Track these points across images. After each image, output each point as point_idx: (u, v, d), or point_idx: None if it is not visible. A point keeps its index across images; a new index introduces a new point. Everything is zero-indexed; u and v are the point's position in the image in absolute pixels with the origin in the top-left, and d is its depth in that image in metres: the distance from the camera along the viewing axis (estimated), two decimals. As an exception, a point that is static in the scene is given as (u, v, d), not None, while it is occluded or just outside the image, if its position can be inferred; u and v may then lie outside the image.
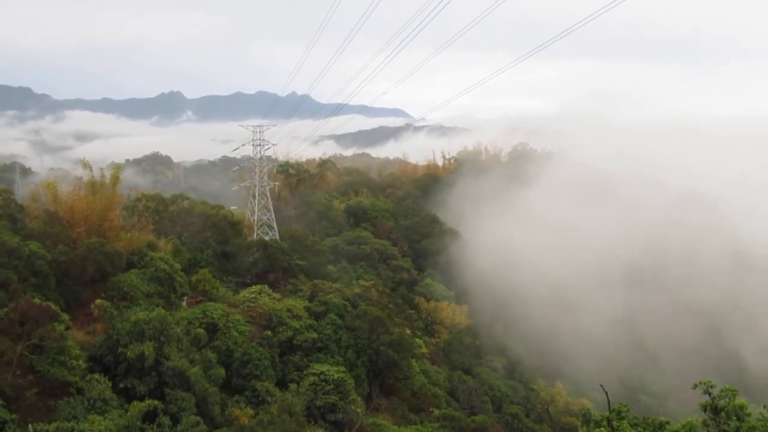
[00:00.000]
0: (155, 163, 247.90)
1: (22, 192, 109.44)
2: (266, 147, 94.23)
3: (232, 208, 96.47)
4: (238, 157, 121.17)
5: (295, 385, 49.49)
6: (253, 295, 59.16)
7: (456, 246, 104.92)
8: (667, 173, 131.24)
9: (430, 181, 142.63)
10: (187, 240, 72.29)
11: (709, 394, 19.34)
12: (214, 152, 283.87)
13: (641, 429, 20.67)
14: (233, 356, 49.98)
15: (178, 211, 76.98)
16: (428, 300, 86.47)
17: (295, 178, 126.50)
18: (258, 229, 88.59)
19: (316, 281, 68.15)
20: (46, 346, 38.44)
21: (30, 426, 34.15)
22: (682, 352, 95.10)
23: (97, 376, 39.95)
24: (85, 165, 63.96)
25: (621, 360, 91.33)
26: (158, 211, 74.50)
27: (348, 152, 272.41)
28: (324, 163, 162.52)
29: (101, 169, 65.49)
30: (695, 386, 19.59)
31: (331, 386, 49.59)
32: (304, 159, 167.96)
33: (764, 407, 19.24)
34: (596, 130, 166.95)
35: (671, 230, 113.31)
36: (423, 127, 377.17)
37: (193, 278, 60.58)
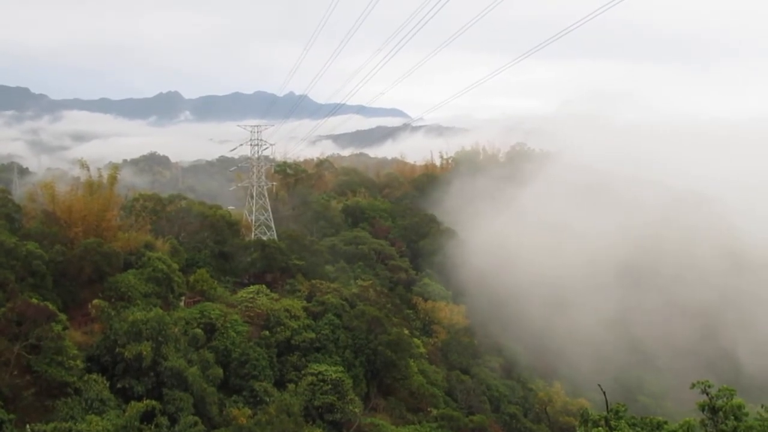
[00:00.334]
0: (153, 163, 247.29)
1: (19, 192, 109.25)
2: (264, 147, 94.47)
3: (230, 208, 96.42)
4: (236, 157, 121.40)
5: (293, 385, 49.45)
6: (251, 295, 59.14)
7: (453, 246, 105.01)
8: (664, 173, 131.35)
9: (428, 181, 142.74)
10: (184, 240, 72.24)
11: (707, 394, 19.37)
12: (211, 152, 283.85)
13: (639, 429, 20.71)
14: (231, 356, 49.94)
15: (175, 211, 76.93)
16: (426, 300, 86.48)
17: (292, 178, 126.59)
18: (256, 229, 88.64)
19: (313, 281, 68.11)
20: (44, 346, 38.37)
21: (27, 426, 34.08)
22: (678, 352, 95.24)
23: (94, 376, 39.88)
24: (83, 165, 63.90)
25: (617, 360, 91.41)
26: (156, 211, 74.42)
27: (346, 152, 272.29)
28: (322, 163, 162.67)
29: (99, 169, 65.49)
30: (693, 386, 19.63)
31: (329, 386, 49.57)
32: (301, 159, 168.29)
33: (762, 406, 19.28)
34: (594, 130, 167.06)
35: (667, 230, 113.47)
36: (421, 127, 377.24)
37: (191, 278, 60.50)
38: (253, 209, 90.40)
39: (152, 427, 37.16)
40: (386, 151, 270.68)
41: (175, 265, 57.98)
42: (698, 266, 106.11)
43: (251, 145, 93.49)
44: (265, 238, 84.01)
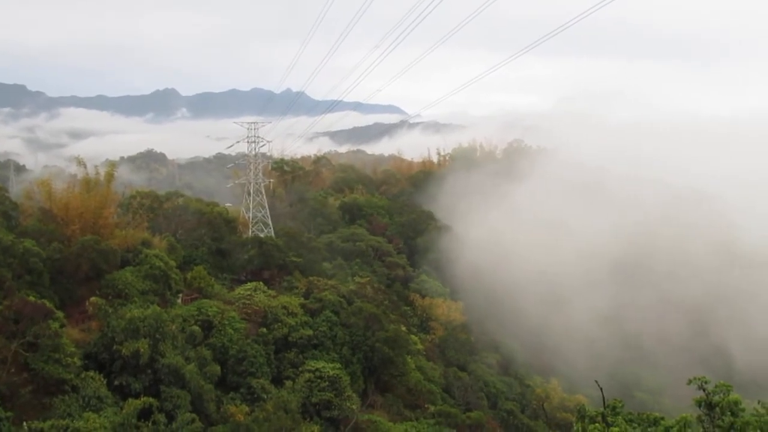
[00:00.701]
0: (150, 160, 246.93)
1: (16, 189, 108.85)
2: (261, 144, 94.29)
3: (227, 205, 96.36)
4: (233, 154, 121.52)
5: (291, 382, 49.47)
6: (249, 293, 59.17)
7: (450, 243, 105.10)
8: (663, 171, 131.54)
9: (425, 178, 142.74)
10: (182, 237, 72.19)
11: (704, 390, 19.39)
12: (208, 149, 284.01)
13: (636, 425, 20.72)
14: (228, 353, 49.96)
15: (172, 208, 76.88)
16: (423, 297, 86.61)
17: (290, 175, 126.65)
18: (253, 226, 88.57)
19: (311, 278, 68.12)
20: (41, 344, 38.36)
21: (25, 424, 34.06)
22: (673, 348, 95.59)
23: (92, 373, 39.85)
24: (80, 162, 63.80)
25: (612, 356, 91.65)
26: (153, 208, 74.39)
27: (343, 149, 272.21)
28: (319, 160, 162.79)
29: (96, 166, 65.41)
30: (690, 382, 19.64)
31: (327, 383, 49.61)
32: (299, 156, 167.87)
33: (758, 402, 19.31)
34: (591, 127, 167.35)
35: (662, 227, 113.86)
36: (418, 123, 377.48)
37: (188, 275, 60.50)
38: (251, 206, 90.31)
39: (149, 424, 37.12)
40: (383, 147, 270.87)
41: (173, 263, 57.99)
42: (692, 263, 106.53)
43: (248, 142, 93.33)
44: (262, 235, 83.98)
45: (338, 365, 52.64)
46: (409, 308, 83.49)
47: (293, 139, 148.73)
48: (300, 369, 51.56)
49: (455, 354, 77.89)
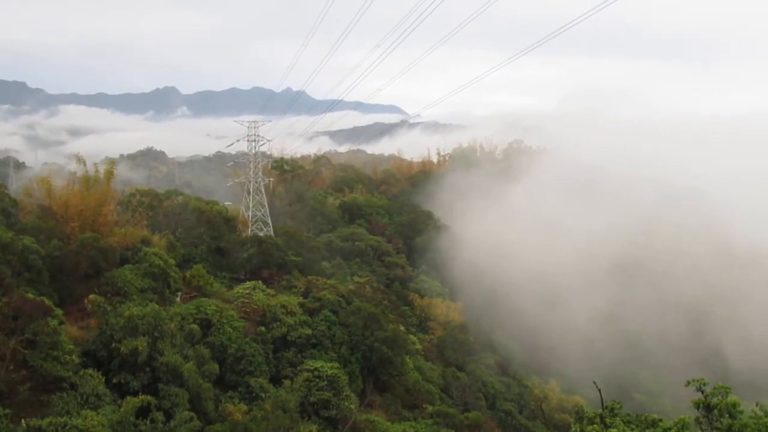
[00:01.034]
0: (149, 158, 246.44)
1: (15, 186, 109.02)
2: (261, 143, 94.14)
3: (227, 204, 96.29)
4: (233, 152, 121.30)
5: (289, 381, 49.49)
6: (247, 291, 59.16)
7: (449, 243, 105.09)
8: (663, 171, 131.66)
9: (425, 178, 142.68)
10: (181, 236, 72.20)
11: (702, 392, 19.39)
12: (208, 148, 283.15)
13: (634, 426, 20.74)
14: (227, 352, 49.96)
15: (172, 206, 76.92)
16: (422, 297, 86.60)
17: (289, 174, 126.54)
18: (252, 225, 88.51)
19: (310, 277, 68.12)
20: (40, 341, 38.36)
21: (23, 421, 34.08)
22: (671, 348, 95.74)
23: (90, 371, 39.87)
24: (79, 160, 63.91)
25: (610, 356, 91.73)
26: (152, 206, 74.44)
27: (343, 148, 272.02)
28: (319, 160, 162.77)
29: (95, 164, 65.41)
30: (688, 384, 19.64)
31: (325, 382, 49.61)
32: (298, 155, 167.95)
33: (756, 404, 19.32)
34: (592, 127, 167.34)
35: (660, 227, 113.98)
36: (418, 123, 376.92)
37: (187, 274, 60.50)
38: (250, 205, 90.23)
39: (147, 422, 37.12)
40: (383, 147, 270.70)
41: (172, 261, 58.04)
42: (691, 263, 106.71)
43: (248, 140, 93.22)
44: (261, 234, 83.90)
45: (337, 365, 52.65)
46: (407, 308, 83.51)
47: (293, 138, 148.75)
48: (298, 368, 51.57)
49: (454, 354, 77.90)
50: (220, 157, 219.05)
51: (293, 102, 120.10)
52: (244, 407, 44.15)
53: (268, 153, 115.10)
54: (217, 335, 50.76)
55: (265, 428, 39.77)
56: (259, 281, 62.75)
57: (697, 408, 19.51)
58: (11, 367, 36.88)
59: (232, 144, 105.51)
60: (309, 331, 55.44)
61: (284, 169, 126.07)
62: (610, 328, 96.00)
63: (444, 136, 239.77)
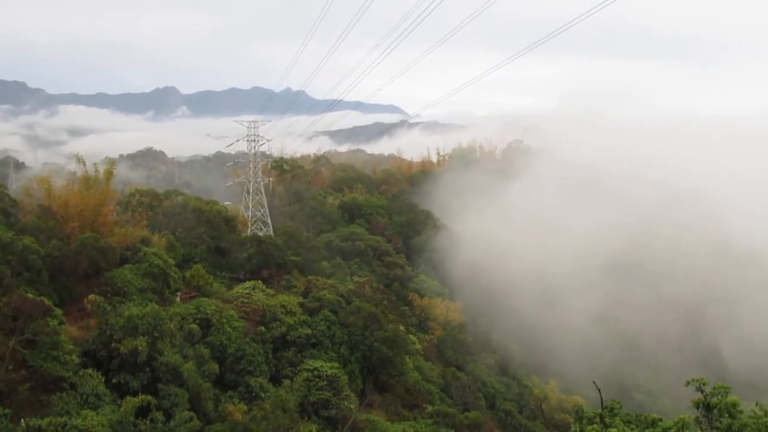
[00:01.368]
0: (149, 158, 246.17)
1: (15, 186, 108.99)
2: (261, 143, 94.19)
3: (226, 203, 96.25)
4: (233, 152, 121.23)
5: (289, 381, 49.49)
6: (247, 291, 59.18)
7: (449, 242, 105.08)
8: (663, 171, 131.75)
9: (424, 178, 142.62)
10: (180, 235, 72.20)
11: (702, 392, 19.39)
12: (208, 148, 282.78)
13: (634, 426, 20.74)
14: (227, 352, 49.97)
15: (172, 206, 76.93)
16: (422, 296, 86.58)
17: (289, 174, 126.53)
18: (252, 225, 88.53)
19: (310, 277, 68.14)
20: (39, 341, 38.35)
21: (22, 421, 34.08)
22: (670, 347, 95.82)
23: (90, 371, 39.87)
24: (79, 160, 63.93)
25: (609, 356, 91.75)
26: (152, 206, 74.46)
27: (342, 148, 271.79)
28: (318, 159, 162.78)
29: (95, 164, 65.42)
30: (688, 383, 19.64)
31: (325, 382, 49.60)
32: (298, 155, 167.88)
33: (756, 404, 19.32)
34: (592, 127, 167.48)
35: (658, 227, 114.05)
36: (418, 123, 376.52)
37: (187, 274, 60.52)
38: (250, 205, 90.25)
39: (147, 422, 37.12)
40: (383, 147, 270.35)
41: (171, 261, 58.06)
42: (689, 263, 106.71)
43: (248, 140, 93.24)
44: (261, 234, 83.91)
45: (336, 364, 52.64)
46: (407, 308, 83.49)
47: (293, 138, 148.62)
48: (298, 368, 51.58)
49: (453, 354, 77.91)
50: (219, 157, 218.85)
51: (293, 102, 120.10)
52: (243, 407, 44.16)
53: (268, 153, 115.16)
54: (217, 335, 50.77)
55: (265, 428, 39.76)
56: (259, 281, 62.75)
57: (697, 408, 19.51)
58: (11, 367, 36.89)
59: (231, 144, 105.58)
60: (309, 331, 55.45)
61: (284, 169, 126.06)
62: (609, 328, 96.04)
63: (444, 136, 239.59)
